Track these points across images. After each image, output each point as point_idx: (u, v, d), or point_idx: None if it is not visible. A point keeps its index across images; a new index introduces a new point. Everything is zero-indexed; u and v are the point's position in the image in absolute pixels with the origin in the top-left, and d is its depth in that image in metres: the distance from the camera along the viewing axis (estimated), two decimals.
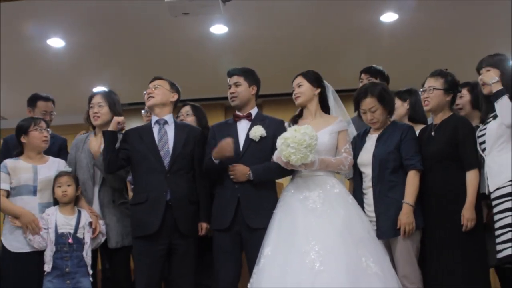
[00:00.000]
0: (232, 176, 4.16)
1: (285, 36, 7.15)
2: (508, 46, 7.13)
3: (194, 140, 4.40)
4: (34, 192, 4.40)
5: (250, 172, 4.11)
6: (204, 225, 4.32)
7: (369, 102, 4.23)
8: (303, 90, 4.30)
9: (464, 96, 4.63)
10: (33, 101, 5.36)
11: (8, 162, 4.46)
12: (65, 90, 5.44)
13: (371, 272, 3.67)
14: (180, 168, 4.29)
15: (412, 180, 4.08)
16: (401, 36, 7.21)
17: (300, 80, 4.34)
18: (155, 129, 4.39)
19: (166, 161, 4.27)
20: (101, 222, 4.44)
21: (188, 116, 5.04)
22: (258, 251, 3.92)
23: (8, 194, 4.37)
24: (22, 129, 4.52)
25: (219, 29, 6.91)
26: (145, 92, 4.46)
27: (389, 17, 6.71)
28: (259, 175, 4.13)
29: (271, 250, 3.86)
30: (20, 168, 4.42)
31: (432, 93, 4.21)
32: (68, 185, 4.38)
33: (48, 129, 4.60)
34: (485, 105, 4.18)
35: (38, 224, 4.27)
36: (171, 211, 4.19)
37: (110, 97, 4.63)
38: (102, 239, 4.45)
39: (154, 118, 4.43)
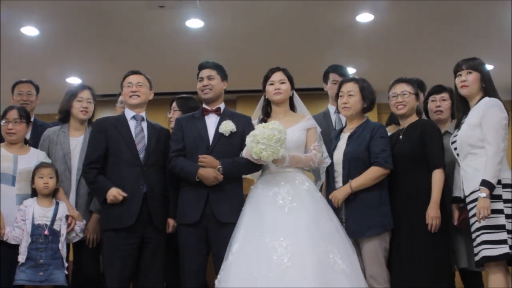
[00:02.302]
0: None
1: (261, 33, 7.17)
2: (483, 47, 7.23)
3: (164, 138, 4.43)
4: (13, 183, 4.37)
5: (220, 166, 4.11)
6: (171, 222, 4.32)
7: (350, 86, 4.32)
8: (285, 88, 4.29)
9: (447, 100, 4.68)
10: (12, 87, 5.38)
11: None
12: (38, 79, 5.38)
13: (338, 269, 3.69)
14: (154, 163, 4.32)
15: (368, 172, 4.13)
16: (377, 36, 7.26)
17: (282, 77, 4.31)
18: (132, 124, 4.39)
19: (142, 155, 4.28)
20: (80, 223, 4.42)
21: (176, 111, 5.01)
22: (225, 246, 3.92)
23: None
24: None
25: (195, 23, 6.89)
26: (128, 85, 4.40)
27: (364, 17, 6.75)
28: (228, 170, 4.13)
29: (239, 247, 3.86)
30: (1, 156, 4.38)
31: (408, 97, 4.30)
32: (50, 177, 4.35)
33: (18, 120, 4.49)
34: (461, 109, 4.22)
35: (2, 234, 4.22)
36: (146, 204, 4.21)
37: (94, 93, 4.76)
38: (75, 238, 4.42)
39: (130, 113, 4.43)
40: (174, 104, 5.08)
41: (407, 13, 6.62)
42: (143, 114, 4.45)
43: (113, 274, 4.16)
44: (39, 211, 4.27)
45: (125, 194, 4.14)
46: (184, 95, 5.19)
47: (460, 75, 4.14)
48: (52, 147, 4.62)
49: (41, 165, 4.38)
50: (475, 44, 7.20)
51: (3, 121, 4.49)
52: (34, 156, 4.50)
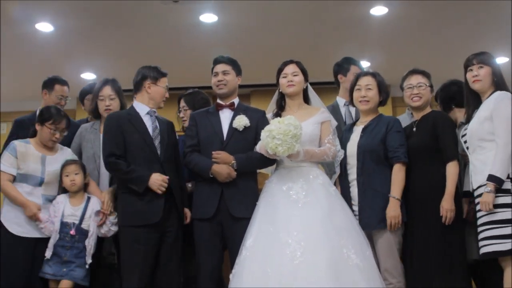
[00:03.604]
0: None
1: (275, 27, 7.15)
2: (496, 40, 7.19)
3: (171, 131, 4.45)
4: (40, 184, 4.37)
5: (234, 162, 4.12)
6: (188, 213, 4.34)
7: (368, 79, 4.33)
8: (298, 80, 4.29)
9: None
10: (51, 83, 5.27)
11: (18, 145, 4.39)
12: (53, 75, 5.42)
13: (352, 264, 3.69)
14: (169, 157, 4.34)
15: (397, 173, 4.12)
16: (391, 30, 7.22)
17: (296, 69, 4.31)
18: (147, 120, 4.36)
19: (159, 151, 4.28)
20: (111, 218, 4.39)
21: (186, 110, 4.97)
22: (240, 241, 3.93)
23: (14, 178, 4.34)
24: (42, 117, 4.44)
25: (208, 18, 6.88)
26: (164, 88, 4.41)
27: (379, 10, 6.71)
28: (242, 165, 4.14)
29: (253, 241, 3.87)
30: (30, 155, 4.38)
31: (424, 89, 4.30)
32: (76, 174, 4.37)
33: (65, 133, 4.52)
34: (471, 102, 4.20)
35: (39, 218, 4.26)
36: (168, 199, 4.21)
37: (118, 88, 4.73)
38: (110, 232, 4.39)
39: (144, 108, 4.38)
40: (182, 103, 5.04)
41: (422, 6, 6.57)
42: (154, 108, 4.44)
43: (134, 269, 4.12)
44: (69, 210, 4.31)
45: (166, 181, 4.13)
46: (190, 91, 5.16)
47: (471, 69, 4.12)
48: (84, 145, 4.64)
49: (66, 163, 4.40)
50: (489, 37, 7.16)
51: (53, 128, 4.41)
52: (62, 157, 4.49)
